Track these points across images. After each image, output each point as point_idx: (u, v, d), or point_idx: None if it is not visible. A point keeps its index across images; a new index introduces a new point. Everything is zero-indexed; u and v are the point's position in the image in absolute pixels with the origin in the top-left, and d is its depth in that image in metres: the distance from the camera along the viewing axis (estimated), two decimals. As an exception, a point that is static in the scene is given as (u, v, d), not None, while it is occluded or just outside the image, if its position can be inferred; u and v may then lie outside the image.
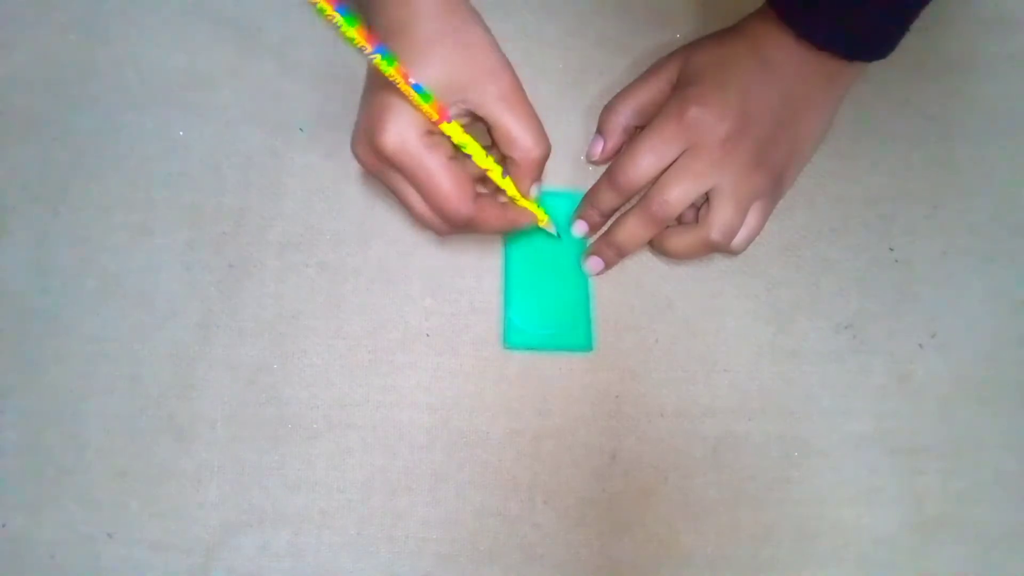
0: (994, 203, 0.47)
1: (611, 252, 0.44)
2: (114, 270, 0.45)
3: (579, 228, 0.45)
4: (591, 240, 0.46)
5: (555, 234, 0.44)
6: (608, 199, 0.43)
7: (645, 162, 0.42)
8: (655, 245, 0.44)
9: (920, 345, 0.46)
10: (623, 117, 0.45)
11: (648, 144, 0.42)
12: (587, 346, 0.45)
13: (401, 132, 0.37)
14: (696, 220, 0.43)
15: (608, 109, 0.45)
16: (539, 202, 0.43)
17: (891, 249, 0.46)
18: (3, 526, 0.44)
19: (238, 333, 0.45)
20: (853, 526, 0.45)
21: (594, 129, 0.46)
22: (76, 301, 0.45)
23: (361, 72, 0.46)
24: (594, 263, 0.45)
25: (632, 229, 0.43)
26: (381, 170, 0.39)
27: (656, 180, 0.42)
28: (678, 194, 0.41)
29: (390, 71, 0.35)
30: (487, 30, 0.39)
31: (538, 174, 0.41)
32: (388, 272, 0.45)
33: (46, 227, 0.46)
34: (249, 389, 0.45)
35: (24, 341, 0.45)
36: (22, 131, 0.46)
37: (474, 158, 0.39)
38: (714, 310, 0.46)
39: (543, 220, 0.43)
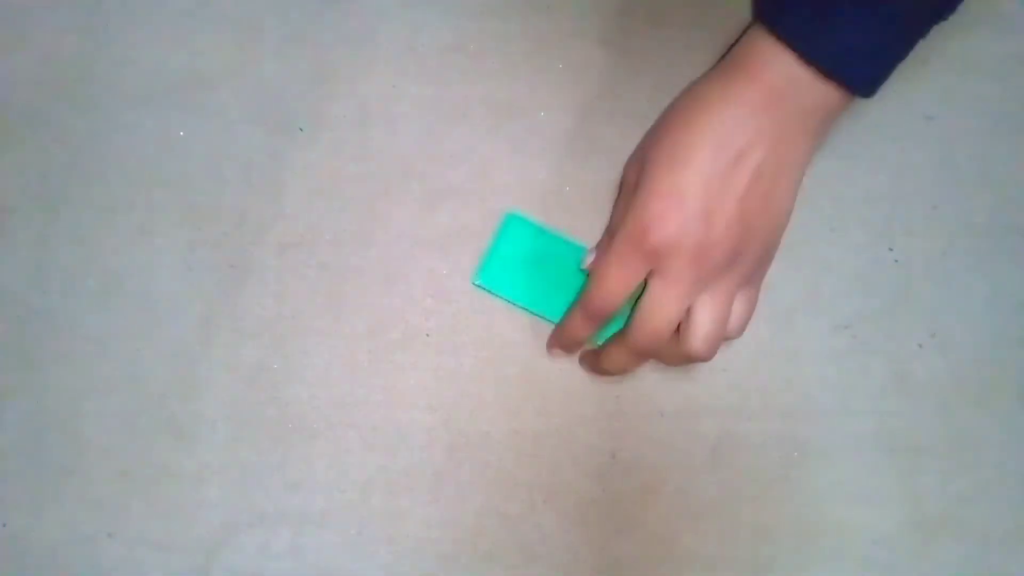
0: (994, 203, 0.47)
1: (602, 377, 0.45)
2: (114, 270, 0.45)
3: (555, 356, 0.45)
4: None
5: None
6: (581, 327, 0.42)
7: (615, 288, 0.40)
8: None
9: (920, 345, 0.46)
10: None
11: (614, 270, 0.40)
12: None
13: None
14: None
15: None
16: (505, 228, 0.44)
17: (890, 249, 0.46)
18: (3, 526, 0.44)
19: (239, 333, 0.45)
20: (853, 526, 0.45)
21: (593, 129, 0.46)
22: (76, 301, 0.45)
23: (361, 73, 0.46)
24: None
25: (617, 360, 0.42)
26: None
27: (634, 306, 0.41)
28: (660, 323, 0.40)
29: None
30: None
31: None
32: (389, 272, 0.45)
33: (46, 227, 0.46)
34: (250, 389, 0.45)
35: (24, 341, 0.45)
36: (22, 131, 0.46)
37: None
38: (714, 310, 0.46)
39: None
